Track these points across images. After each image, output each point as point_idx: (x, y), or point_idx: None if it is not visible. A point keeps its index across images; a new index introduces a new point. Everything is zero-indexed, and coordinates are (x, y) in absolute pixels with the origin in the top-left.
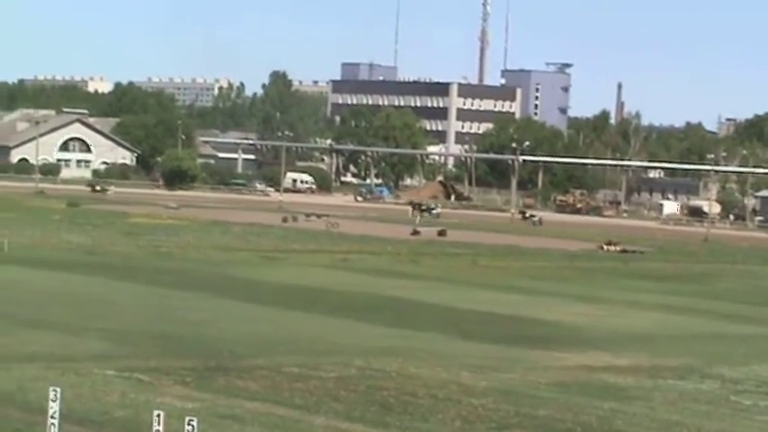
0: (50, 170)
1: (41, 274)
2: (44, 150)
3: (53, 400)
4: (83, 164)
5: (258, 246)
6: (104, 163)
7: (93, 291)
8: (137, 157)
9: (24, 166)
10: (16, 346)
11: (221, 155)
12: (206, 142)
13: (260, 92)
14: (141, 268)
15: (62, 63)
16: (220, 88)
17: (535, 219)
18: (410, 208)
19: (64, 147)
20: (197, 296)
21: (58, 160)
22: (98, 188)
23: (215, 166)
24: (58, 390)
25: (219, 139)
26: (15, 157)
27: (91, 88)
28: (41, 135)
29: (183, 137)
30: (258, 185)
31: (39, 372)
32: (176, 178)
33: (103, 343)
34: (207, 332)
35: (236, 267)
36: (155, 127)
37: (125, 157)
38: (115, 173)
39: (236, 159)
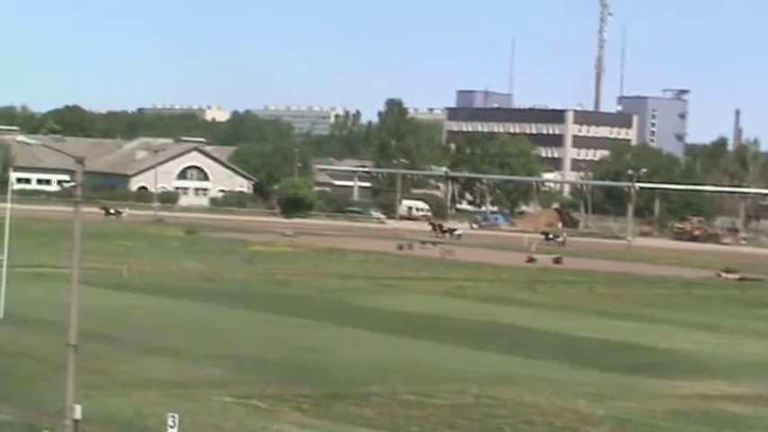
0: (169, 198)
1: (160, 301)
2: (163, 178)
3: (171, 427)
4: (200, 192)
5: (374, 273)
6: (222, 191)
7: (211, 318)
8: (254, 185)
9: (143, 194)
10: (135, 373)
11: (337, 182)
12: (322, 170)
13: (376, 119)
14: (258, 295)
15: (180, 92)
16: (336, 116)
17: (559, 239)
18: (430, 227)
19: (182, 175)
20: (313, 323)
21: (177, 188)
22: (112, 211)
23: (331, 194)
24: (176, 416)
25: (335, 167)
26: (134, 185)
27: (208, 117)
28: (160, 163)
29: (300, 165)
30: (374, 213)
31: (157, 398)
32: (293, 206)
33: (221, 370)
34: (323, 359)
35: (352, 295)
36: (271, 155)
37: (242, 185)
38: (232, 201)
39: (351, 187)
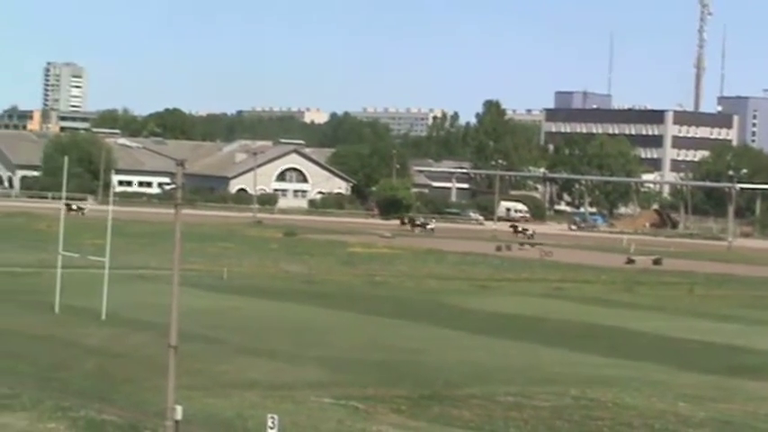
0: (268, 200)
1: (259, 302)
2: (262, 181)
3: (271, 428)
4: (299, 194)
5: (472, 274)
6: (320, 192)
7: (310, 319)
8: (352, 187)
9: (242, 197)
10: (235, 374)
11: (435, 184)
12: (420, 171)
13: (474, 121)
14: (357, 297)
15: (279, 95)
16: (434, 118)
17: (528, 232)
18: (400, 221)
19: (281, 177)
20: (412, 325)
21: (275, 190)
22: (74, 207)
23: (429, 195)
24: (276, 417)
25: (433, 168)
26: (234, 187)
27: (307, 119)
28: (259, 166)
29: (398, 166)
30: (472, 214)
31: (257, 399)
32: (391, 207)
33: (320, 371)
34: (421, 360)
35: (451, 296)
36: (369, 157)
37: (340, 186)
38: (331, 202)
39: (449, 188)
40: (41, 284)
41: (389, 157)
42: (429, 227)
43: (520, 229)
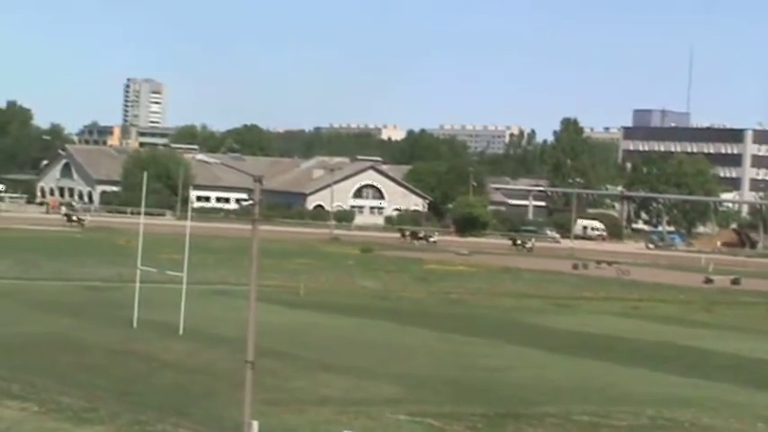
0: (345, 216)
1: (335, 318)
2: (339, 197)
3: None
4: (376, 210)
5: (549, 292)
6: (397, 209)
7: (386, 336)
8: (429, 204)
9: (320, 213)
10: (310, 389)
11: (512, 201)
12: (497, 189)
13: (551, 139)
14: (433, 314)
15: (357, 112)
16: (511, 135)
17: (528, 245)
18: (400, 234)
19: (358, 193)
20: (488, 342)
21: (352, 207)
22: (74, 218)
23: (506, 213)
24: None
25: (510, 186)
26: (311, 203)
27: (384, 136)
28: (336, 182)
29: (475, 184)
30: (549, 232)
31: (332, 415)
32: (467, 225)
33: (396, 387)
34: (497, 378)
35: (527, 314)
36: (446, 174)
37: (417, 203)
38: (407, 219)
39: (526, 206)
40: (120, 299)
41: (466, 175)
42: (432, 239)
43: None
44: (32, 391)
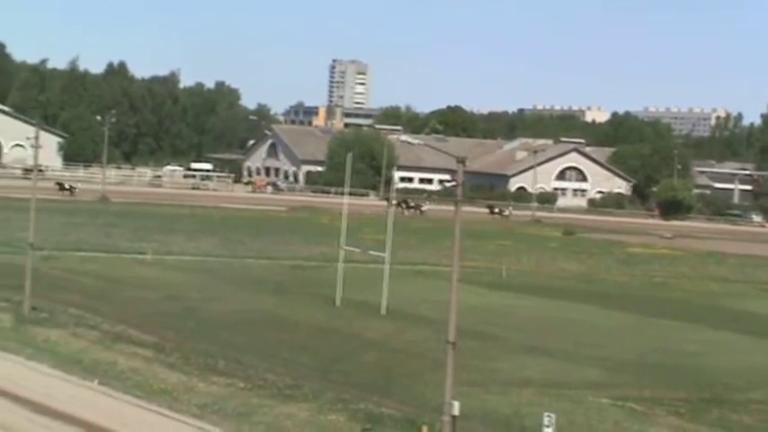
0: (547, 199)
1: (537, 300)
2: (541, 179)
3: (547, 426)
4: (578, 193)
5: (755, 278)
6: (600, 192)
7: (588, 318)
8: (632, 187)
9: (522, 195)
10: (512, 371)
11: (717, 185)
12: (702, 172)
13: (758, 122)
14: (635, 297)
15: (561, 93)
16: (717, 118)
17: (505, 213)
18: (393, 205)
19: (560, 176)
20: (691, 327)
21: (555, 189)
22: (66, 186)
23: (710, 197)
24: (553, 416)
25: (715, 170)
26: (513, 185)
27: (588, 118)
28: (539, 164)
29: (679, 167)
30: (754, 217)
31: (533, 397)
32: (671, 208)
33: (597, 371)
34: (700, 363)
35: (732, 299)
36: (650, 156)
37: (620, 186)
38: (610, 202)
39: (732, 190)
40: (323, 278)
41: (670, 158)
42: (423, 209)
43: (412, 205)
44: (238, 367)
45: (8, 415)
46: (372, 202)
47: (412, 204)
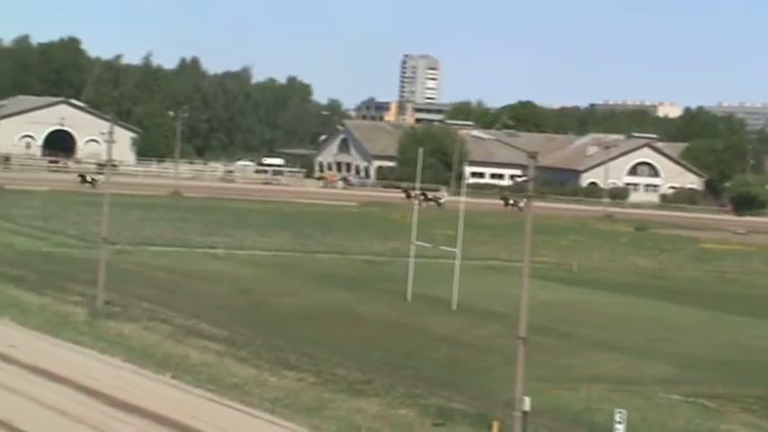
0: (619, 194)
1: (609, 296)
2: (613, 174)
3: (619, 423)
4: (650, 188)
5: None
6: (672, 187)
7: (660, 314)
8: (705, 182)
9: (593, 190)
10: (582, 367)
11: None
12: None
13: None
14: (708, 293)
15: (633, 88)
16: None
17: (441, 200)
18: (406, 194)
19: (632, 171)
20: (764, 323)
21: (627, 184)
22: (88, 179)
23: None
24: (624, 412)
25: None
26: (585, 180)
27: (660, 113)
28: (611, 159)
29: (753, 162)
30: None
31: (604, 393)
32: (745, 204)
33: (669, 367)
34: None
35: None
36: (723, 152)
37: (693, 182)
38: (683, 197)
39: None
40: (394, 273)
41: (744, 153)
42: (441, 200)
43: (430, 197)
44: (309, 362)
45: (81, 407)
46: (448, 197)
47: (430, 196)
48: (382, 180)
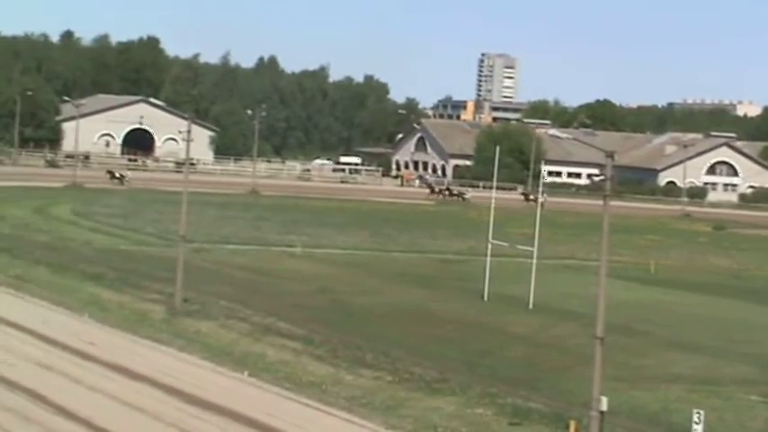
0: (697, 193)
1: (687, 296)
2: (691, 173)
3: (696, 423)
4: (729, 187)
5: None
6: (751, 187)
7: (739, 314)
8: None
9: (671, 189)
10: (660, 367)
11: None
12: None
13: None
14: None
15: (712, 87)
16: None
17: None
18: (429, 190)
19: (711, 170)
20: None
21: (705, 183)
22: (117, 175)
23: None
24: (702, 413)
25: None
26: (663, 179)
27: (740, 112)
28: (689, 158)
29: None
30: None
31: (682, 393)
32: None
33: (747, 367)
34: None
35: None
36: None
37: None
38: (762, 197)
39: None
40: (471, 272)
41: None
42: (466, 196)
43: (455, 192)
44: (386, 360)
45: (159, 405)
46: (521, 196)
47: (455, 192)
48: (459, 179)
